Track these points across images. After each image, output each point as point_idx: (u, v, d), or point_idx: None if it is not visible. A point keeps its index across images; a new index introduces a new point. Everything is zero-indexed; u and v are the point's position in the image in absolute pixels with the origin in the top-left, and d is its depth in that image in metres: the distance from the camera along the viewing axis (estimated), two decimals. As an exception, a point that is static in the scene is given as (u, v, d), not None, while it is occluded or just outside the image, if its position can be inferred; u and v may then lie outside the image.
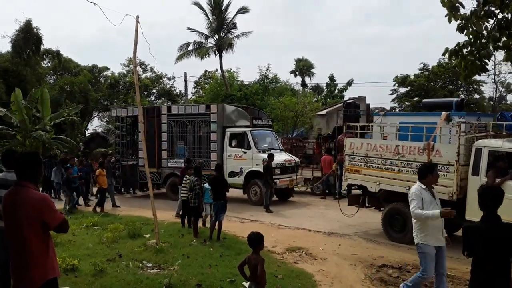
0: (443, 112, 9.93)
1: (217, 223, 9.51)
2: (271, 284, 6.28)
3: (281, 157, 14.65)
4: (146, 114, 16.43)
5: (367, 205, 10.84)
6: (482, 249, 3.83)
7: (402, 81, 37.11)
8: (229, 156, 15.00)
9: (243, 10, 32.12)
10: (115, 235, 9.59)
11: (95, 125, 42.94)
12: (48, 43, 65.52)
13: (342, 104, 22.43)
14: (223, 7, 32.20)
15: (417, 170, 6.22)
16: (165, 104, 36.24)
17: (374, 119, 11.76)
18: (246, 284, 6.08)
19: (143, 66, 41.70)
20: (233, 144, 14.98)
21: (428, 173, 5.61)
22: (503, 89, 38.32)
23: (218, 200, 9.63)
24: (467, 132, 9.25)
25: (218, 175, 10.12)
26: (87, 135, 36.59)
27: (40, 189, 16.67)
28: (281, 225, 11.34)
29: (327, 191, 16.17)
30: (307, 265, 7.80)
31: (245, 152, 14.62)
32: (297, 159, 15.92)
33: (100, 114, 43.95)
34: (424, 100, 15.89)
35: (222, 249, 8.70)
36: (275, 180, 14.00)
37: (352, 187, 11.08)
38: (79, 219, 11.93)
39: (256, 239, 4.99)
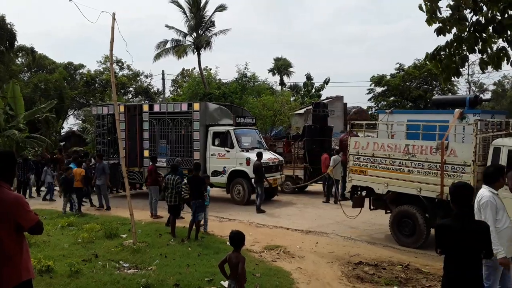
0: (457, 110, 9.36)
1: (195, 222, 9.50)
2: (249, 283, 6.30)
3: (265, 156, 14.59)
4: (127, 112, 16.22)
5: (371, 207, 10.36)
6: (454, 246, 3.93)
7: (378, 81, 37.73)
8: (212, 155, 14.86)
9: (221, 8, 31.95)
10: (91, 235, 9.49)
11: (71, 123, 42.24)
12: (23, 40, 63.91)
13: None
14: (201, 5, 32.00)
15: (484, 173, 5.34)
16: (143, 102, 35.83)
17: (380, 117, 11.09)
18: (225, 283, 6.11)
19: (120, 64, 41.10)
20: (216, 143, 14.84)
21: (500, 176, 5.01)
22: (476, 89, 39.24)
23: (196, 200, 9.59)
24: (484, 131, 8.61)
25: (196, 174, 10.09)
26: (62, 133, 35.92)
27: (34, 189, 16.29)
28: (259, 223, 11.38)
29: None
30: (285, 263, 7.87)
31: (228, 151, 14.49)
32: (281, 158, 15.85)
33: (75, 112, 43.18)
34: (434, 97, 15.18)
35: (200, 248, 8.69)
36: None
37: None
38: (54, 219, 11.73)
39: (237, 238, 5.03)
